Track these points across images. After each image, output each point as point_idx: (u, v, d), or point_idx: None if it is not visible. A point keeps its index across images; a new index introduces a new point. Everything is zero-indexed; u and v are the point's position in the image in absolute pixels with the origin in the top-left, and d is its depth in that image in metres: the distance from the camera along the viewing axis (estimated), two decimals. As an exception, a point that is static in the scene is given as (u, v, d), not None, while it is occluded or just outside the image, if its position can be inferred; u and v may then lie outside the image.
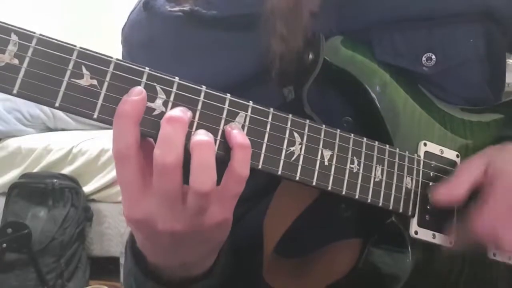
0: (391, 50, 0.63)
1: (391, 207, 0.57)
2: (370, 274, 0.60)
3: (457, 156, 0.63)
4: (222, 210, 0.47)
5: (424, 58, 0.63)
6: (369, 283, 0.61)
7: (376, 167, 0.56)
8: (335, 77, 0.60)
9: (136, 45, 0.70)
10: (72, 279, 2.37)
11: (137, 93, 0.45)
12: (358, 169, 0.55)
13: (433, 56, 0.63)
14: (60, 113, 2.83)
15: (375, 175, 0.56)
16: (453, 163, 0.62)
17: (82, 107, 0.44)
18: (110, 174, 2.41)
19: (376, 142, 0.57)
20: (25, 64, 0.42)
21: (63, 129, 2.90)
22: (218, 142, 0.47)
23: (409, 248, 0.59)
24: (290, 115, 0.52)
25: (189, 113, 0.46)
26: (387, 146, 0.58)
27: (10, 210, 2.40)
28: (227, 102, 0.49)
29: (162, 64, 0.61)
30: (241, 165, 0.46)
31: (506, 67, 0.75)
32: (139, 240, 0.53)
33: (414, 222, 0.59)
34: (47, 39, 0.43)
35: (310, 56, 0.59)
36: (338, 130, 0.55)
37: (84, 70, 0.44)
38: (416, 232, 0.59)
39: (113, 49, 0.74)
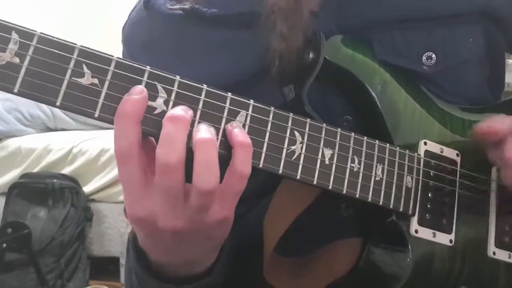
0: (391, 50, 0.63)
1: (391, 206, 0.57)
2: (370, 273, 0.60)
3: (457, 155, 0.63)
4: (223, 208, 0.47)
5: (424, 58, 0.64)
6: (369, 282, 0.61)
7: (376, 166, 0.57)
8: (336, 76, 0.60)
9: (136, 44, 0.70)
10: (72, 279, 2.37)
11: (138, 92, 0.45)
12: (359, 168, 0.55)
13: (433, 56, 0.64)
14: (60, 113, 2.83)
15: (375, 174, 0.56)
16: (453, 162, 0.62)
17: (83, 106, 0.44)
18: (110, 174, 2.41)
19: (377, 141, 0.57)
20: (26, 63, 0.42)
21: (63, 129, 2.90)
22: (219, 140, 0.48)
23: (410, 247, 0.59)
24: (291, 114, 0.52)
25: (190, 112, 0.46)
26: (388, 145, 0.58)
27: (10, 210, 2.40)
28: (228, 101, 0.49)
29: (163, 62, 0.61)
30: (242, 163, 0.46)
31: (506, 67, 0.75)
32: (141, 238, 0.53)
33: (414, 221, 0.59)
34: (48, 37, 0.43)
35: (311, 55, 0.59)
36: (339, 129, 0.55)
37: (85, 69, 0.44)
38: (416, 231, 0.59)
39: (113, 48, 0.74)
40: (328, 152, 0.54)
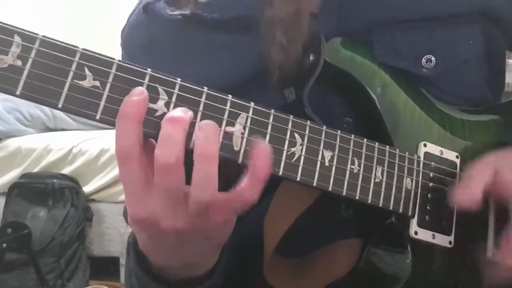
0: (392, 52, 0.63)
1: (391, 208, 0.57)
2: (370, 274, 0.61)
3: (457, 157, 0.63)
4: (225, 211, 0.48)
5: (423, 60, 0.64)
6: (369, 283, 0.61)
7: (376, 168, 0.57)
8: (336, 78, 0.60)
9: (135, 46, 0.70)
10: (72, 279, 2.37)
11: (138, 93, 0.45)
12: (359, 170, 0.55)
13: (433, 58, 0.64)
14: (60, 113, 2.83)
15: (375, 175, 0.56)
16: (453, 164, 0.62)
17: (84, 108, 0.44)
18: (110, 174, 2.41)
19: (376, 143, 0.57)
20: (28, 66, 0.43)
21: (63, 129, 2.90)
22: (220, 143, 0.48)
23: (409, 248, 0.59)
24: (291, 116, 0.52)
25: (190, 113, 0.46)
26: (387, 147, 0.58)
27: (10, 210, 2.40)
28: (228, 103, 0.49)
29: (163, 64, 0.62)
30: (251, 192, 0.46)
31: (506, 67, 0.75)
32: (141, 241, 0.53)
33: (414, 223, 0.59)
34: (50, 40, 0.44)
35: (311, 57, 0.59)
36: (339, 131, 0.55)
37: (87, 71, 0.44)
38: (416, 233, 0.59)
39: (114, 48, 0.75)
40: (328, 154, 0.54)
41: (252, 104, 0.50)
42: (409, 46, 0.64)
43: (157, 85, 0.47)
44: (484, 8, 0.67)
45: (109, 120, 0.45)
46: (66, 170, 2.47)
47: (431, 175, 0.61)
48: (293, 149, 0.52)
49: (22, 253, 2.27)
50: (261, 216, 0.63)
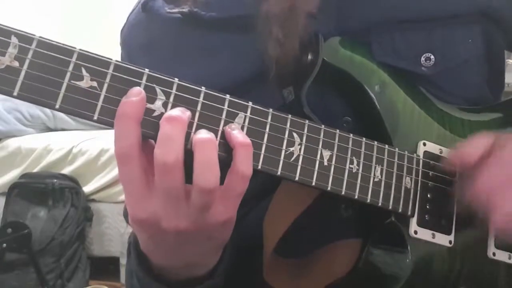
0: (391, 52, 0.63)
1: (390, 207, 0.57)
2: (370, 274, 0.61)
3: (456, 155, 0.63)
4: (226, 209, 0.48)
5: (423, 59, 0.64)
6: (369, 283, 0.61)
7: (375, 167, 0.57)
8: (334, 78, 0.60)
9: (135, 46, 0.70)
10: (72, 279, 2.38)
11: (136, 93, 0.45)
12: (358, 169, 0.55)
13: (432, 57, 0.64)
14: (60, 113, 2.82)
15: (374, 175, 0.56)
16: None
17: (82, 109, 0.44)
18: (110, 174, 2.41)
19: (375, 142, 0.57)
20: (25, 66, 0.43)
21: (63, 129, 2.90)
22: (218, 143, 0.48)
23: (409, 247, 0.59)
24: (290, 116, 0.52)
25: (188, 113, 0.46)
26: (386, 146, 0.58)
27: (10, 210, 2.40)
28: (226, 103, 0.49)
29: (162, 63, 0.61)
30: (243, 163, 0.46)
31: (506, 67, 0.75)
32: (142, 241, 0.53)
33: (413, 222, 0.59)
34: (47, 41, 0.44)
35: (309, 57, 0.59)
36: (338, 130, 0.55)
37: (84, 72, 0.44)
38: (415, 232, 0.59)
39: (113, 48, 0.75)
40: (326, 154, 0.54)
41: (250, 103, 0.50)
42: (408, 46, 0.63)
43: (154, 85, 0.47)
44: (484, 8, 0.67)
45: (106, 120, 0.45)
46: (66, 170, 2.48)
47: (430, 174, 0.61)
48: (291, 149, 0.52)
49: (22, 253, 2.27)
50: (260, 216, 0.63)
